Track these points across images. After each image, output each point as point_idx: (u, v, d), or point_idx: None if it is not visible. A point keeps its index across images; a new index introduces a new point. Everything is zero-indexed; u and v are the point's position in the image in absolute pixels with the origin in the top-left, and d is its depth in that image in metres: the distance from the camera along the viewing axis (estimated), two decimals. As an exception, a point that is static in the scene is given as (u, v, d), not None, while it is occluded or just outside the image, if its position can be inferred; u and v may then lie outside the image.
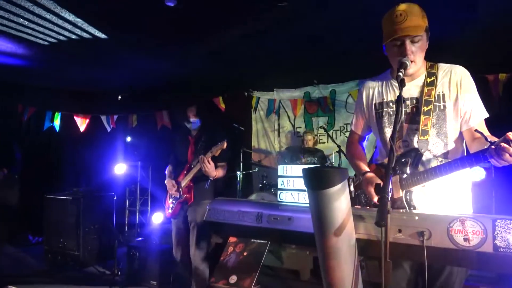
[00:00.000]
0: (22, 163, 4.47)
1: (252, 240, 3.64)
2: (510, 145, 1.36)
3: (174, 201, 3.31)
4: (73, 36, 4.20)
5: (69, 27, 3.96)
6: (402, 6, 1.72)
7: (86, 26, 3.96)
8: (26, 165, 4.50)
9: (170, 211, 3.35)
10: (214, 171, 3.13)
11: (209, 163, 3.06)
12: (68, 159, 7.09)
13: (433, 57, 1.91)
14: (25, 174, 4.51)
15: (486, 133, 1.72)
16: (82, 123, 6.80)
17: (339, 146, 5.18)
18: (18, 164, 4.41)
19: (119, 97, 7.17)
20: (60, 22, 3.84)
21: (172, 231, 3.45)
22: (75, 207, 4.64)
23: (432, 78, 1.81)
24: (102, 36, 4.22)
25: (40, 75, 5.82)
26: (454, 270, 1.70)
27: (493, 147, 1.41)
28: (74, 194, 4.81)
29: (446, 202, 1.75)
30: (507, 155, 1.37)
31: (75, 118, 6.77)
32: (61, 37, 4.23)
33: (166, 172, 3.57)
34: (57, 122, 6.65)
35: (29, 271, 4.56)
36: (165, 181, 3.45)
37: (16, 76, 5.85)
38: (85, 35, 4.16)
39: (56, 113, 6.60)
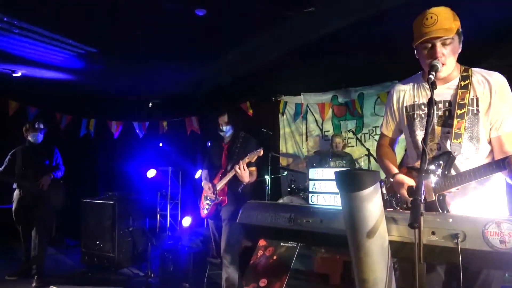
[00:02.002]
0: (64, 168, 4.67)
1: (282, 243, 3.67)
2: None
3: (209, 203, 3.47)
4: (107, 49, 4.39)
5: (101, 38, 4.15)
6: (433, 9, 1.73)
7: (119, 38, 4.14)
8: (64, 171, 4.70)
9: (205, 211, 3.50)
10: (248, 177, 3.27)
11: (244, 169, 3.22)
12: (102, 165, 7.35)
13: (470, 56, 1.89)
14: (63, 179, 4.71)
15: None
16: (115, 130, 7.05)
17: (368, 150, 5.14)
18: (62, 169, 4.62)
19: (150, 104, 7.39)
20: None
21: (210, 231, 3.68)
22: (110, 211, 4.80)
23: (467, 82, 1.79)
24: (135, 47, 4.39)
25: (76, 85, 6.09)
26: (490, 274, 1.67)
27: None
28: (109, 198, 4.99)
29: (480, 205, 1.73)
30: None
31: (109, 124, 7.03)
32: (94, 50, 4.44)
33: (202, 176, 3.75)
34: (92, 129, 6.92)
35: (68, 272, 4.76)
36: (202, 184, 3.62)
37: (53, 86, 6.15)
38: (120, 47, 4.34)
39: (91, 120, 6.87)
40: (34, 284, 4.13)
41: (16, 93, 6.04)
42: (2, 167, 4.43)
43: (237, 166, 3.22)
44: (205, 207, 3.51)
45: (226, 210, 3.37)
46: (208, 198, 3.49)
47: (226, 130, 3.49)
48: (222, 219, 3.40)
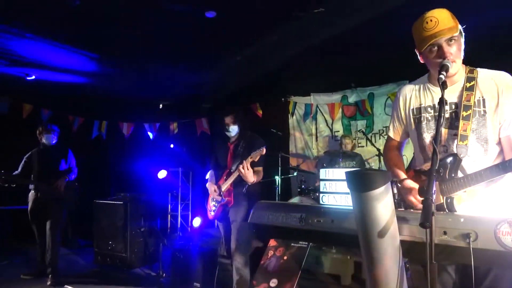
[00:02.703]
0: (78, 169, 4.75)
1: (292, 244, 3.67)
2: None
3: (216, 204, 3.46)
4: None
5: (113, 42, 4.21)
6: (430, 12, 1.73)
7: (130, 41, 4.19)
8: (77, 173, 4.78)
9: (212, 213, 3.50)
10: (253, 177, 3.25)
11: (248, 169, 3.19)
12: (114, 166, 7.43)
13: (475, 57, 1.88)
14: (76, 181, 4.78)
15: None
16: (127, 131, 7.13)
17: (378, 150, 5.12)
18: (75, 171, 4.69)
19: (160, 105, 7.46)
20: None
21: (220, 232, 3.66)
22: (122, 211, 4.86)
23: (472, 83, 1.79)
24: (146, 49, 4.44)
25: (88, 87, 6.19)
26: (499, 274, 1.66)
27: None
28: (121, 199, 5.04)
29: (489, 207, 1.71)
30: None
31: (120, 126, 7.10)
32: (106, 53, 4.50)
33: (208, 176, 3.72)
34: (103, 131, 7.00)
35: (81, 272, 4.83)
36: (207, 185, 3.59)
37: (66, 89, 6.25)
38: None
39: (103, 122, 6.96)
40: (49, 283, 4.22)
41: (30, 96, 6.15)
42: (19, 170, 4.52)
43: (241, 166, 3.20)
44: (212, 209, 3.50)
45: (234, 211, 3.37)
46: (214, 199, 3.48)
47: (232, 130, 3.47)
48: (231, 221, 3.39)
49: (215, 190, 3.44)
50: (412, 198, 1.77)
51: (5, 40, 4.02)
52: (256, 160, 3.24)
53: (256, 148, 3.30)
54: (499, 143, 1.79)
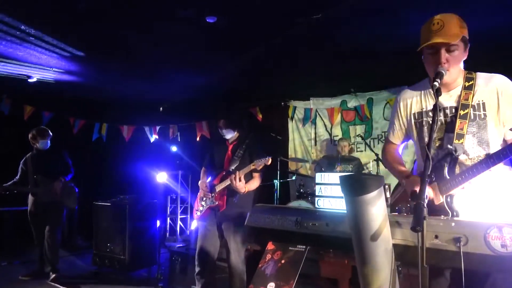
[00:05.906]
0: (74, 169, 4.76)
1: (290, 247, 3.69)
2: None
3: (204, 205, 3.34)
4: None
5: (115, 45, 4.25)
6: (440, 16, 1.75)
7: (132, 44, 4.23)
8: (76, 175, 4.79)
9: (199, 213, 3.37)
10: (244, 188, 3.10)
11: (240, 180, 3.03)
12: (114, 168, 7.45)
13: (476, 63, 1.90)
14: (75, 183, 4.81)
15: None
16: (127, 134, 7.16)
17: (377, 155, 5.15)
18: (71, 171, 4.71)
19: (161, 108, 7.49)
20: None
21: (198, 233, 3.42)
22: (121, 214, 4.85)
23: (471, 83, 1.81)
24: (147, 53, 4.49)
25: (90, 89, 6.22)
26: (499, 278, 1.67)
27: None
28: (120, 201, 5.05)
29: (489, 205, 1.72)
30: None
31: (121, 129, 7.14)
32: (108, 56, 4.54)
33: (201, 173, 3.60)
34: (104, 133, 7.04)
35: (80, 274, 4.84)
36: (199, 183, 3.48)
37: (67, 91, 6.29)
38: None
39: (104, 124, 6.99)
40: (50, 279, 4.29)
41: (32, 98, 6.18)
42: (18, 176, 4.55)
43: (232, 176, 3.03)
44: (199, 209, 3.36)
45: (226, 218, 3.22)
46: (204, 199, 3.35)
47: (226, 133, 3.38)
48: (222, 228, 3.25)
49: (206, 187, 3.32)
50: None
51: (8, 43, 4.07)
52: (259, 169, 3.11)
53: (255, 153, 3.20)
54: (501, 145, 1.81)
